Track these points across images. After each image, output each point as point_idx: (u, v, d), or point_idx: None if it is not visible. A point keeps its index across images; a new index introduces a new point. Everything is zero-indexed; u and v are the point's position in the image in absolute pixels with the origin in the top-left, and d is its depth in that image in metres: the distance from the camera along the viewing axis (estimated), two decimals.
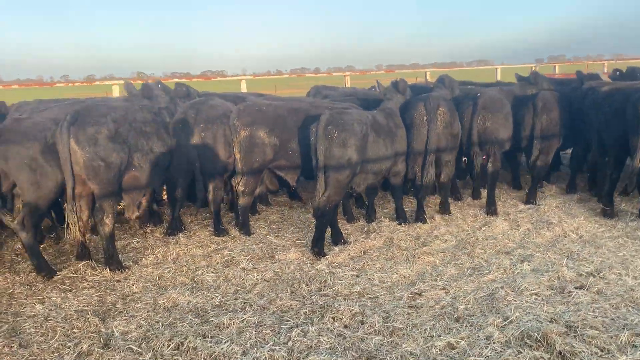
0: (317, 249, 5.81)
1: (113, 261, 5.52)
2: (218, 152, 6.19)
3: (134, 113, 5.59)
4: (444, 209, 7.17)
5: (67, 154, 5.07)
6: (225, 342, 4.04)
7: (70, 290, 5.24)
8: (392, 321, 4.30)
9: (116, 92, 9.94)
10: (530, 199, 7.48)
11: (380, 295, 4.84)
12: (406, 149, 6.59)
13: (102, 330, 4.41)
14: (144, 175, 5.57)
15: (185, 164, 6.19)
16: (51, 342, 4.26)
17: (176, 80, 8.83)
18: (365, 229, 6.79)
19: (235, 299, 4.90)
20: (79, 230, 5.45)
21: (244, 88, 11.38)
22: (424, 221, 6.82)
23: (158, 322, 4.49)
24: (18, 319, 4.69)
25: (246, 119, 6.20)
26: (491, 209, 7.11)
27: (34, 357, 4.08)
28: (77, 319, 4.59)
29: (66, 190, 5.17)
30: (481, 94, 7.17)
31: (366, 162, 6.00)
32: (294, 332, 4.14)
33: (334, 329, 4.23)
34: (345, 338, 4.09)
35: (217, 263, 5.82)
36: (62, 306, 4.89)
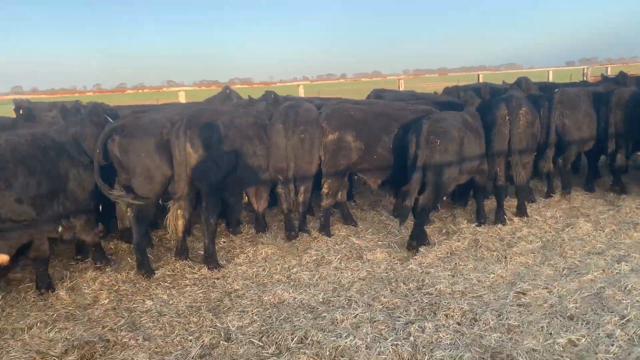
0: (416, 243, 6.05)
1: (212, 260, 5.69)
2: (313, 154, 6.32)
3: (239, 117, 5.77)
4: (521, 211, 7.16)
5: (183, 155, 5.27)
6: (346, 337, 4.13)
7: (173, 288, 5.41)
8: (506, 319, 4.33)
9: (182, 99, 10.25)
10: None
11: (484, 294, 4.88)
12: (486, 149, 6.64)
13: (218, 324, 4.54)
14: (247, 177, 5.74)
15: None
16: (172, 335, 4.42)
17: (205, 87, 9.07)
18: (444, 230, 6.82)
19: (338, 296, 5.00)
20: (182, 228, 5.64)
21: (301, 93, 11.57)
22: (504, 222, 6.83)
23: (271, 317, 4.62)
24: (133, 314, 4.86)
25: (335, 122, 6.33)
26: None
27: (159, 350, 4.23)
28: (191, 314, 4.75)
29: (176, 189, 5.35)
30: (558, 91, 7.26)
31: (462, 162, 6.07)
32: (412, 328, 4.20)
33: (449, 325, 4.29)
34: (463, 334, 4.14)
35: (308, 262, 5.92)
36: (171, 302, 5.05)
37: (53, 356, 4.12)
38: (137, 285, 5.50)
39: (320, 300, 4.96)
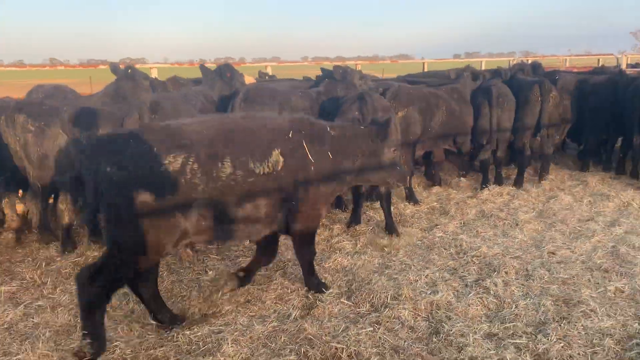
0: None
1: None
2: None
3: (296, 100, 5.81)
4: (519, 184, 8.12)
5: None
6: (434, 293, 4.55)
7: None
8: (557, 273, 5.00)
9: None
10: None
11: (521, 255, 5.52)
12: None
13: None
14: None
15: None
16: (270, 299, 4.55)
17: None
18: (446, 203, 7.44)
19: (392, 261, 5.39)
20: None
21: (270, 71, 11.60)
22: (521, 186, 7.93)
23: (349, 282, 4.90)
24: None
25: (402, 100, 6.70)
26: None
27: (260, 312, 4.36)
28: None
29: None
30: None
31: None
32: (486, 283, 4.74)
33: (513, 280, 4.87)
34: (529, 287, 4.74)
35: (345, 232, 6.22)
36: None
37: None
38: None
39: (378, 264, 5.31)
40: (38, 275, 5.13)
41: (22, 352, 3.76)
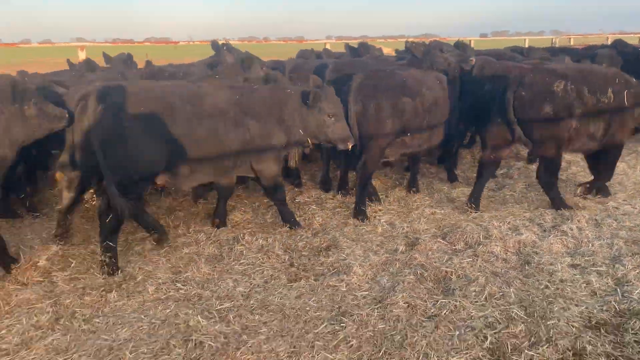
0: None
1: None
2: None
3: (424, 82, 6.40)
4: None
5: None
6: (519, 234, 5.31)
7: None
8: (623, 222, 5.69)
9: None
10: None
11: (589, 208, 6.22)
12: None
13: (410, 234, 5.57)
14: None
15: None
16: (377, 240, 5.39)
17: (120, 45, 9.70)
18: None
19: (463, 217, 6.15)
20: None
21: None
22: None
23: (439, 227, 5.69)
24: (357, 228, 5.74)
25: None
26: None
27: (373, 247, 5.19)
28: (392, 229, 5.73)
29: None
30: None
31: None
32: (564, 227, 5.48)
33: (577, 228, 5.57)
34: (597, 233, 5.44)
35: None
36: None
37: None
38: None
39: (461, 214, 6.08)
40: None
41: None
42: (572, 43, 19.27)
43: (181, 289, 4.43)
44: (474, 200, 6.25)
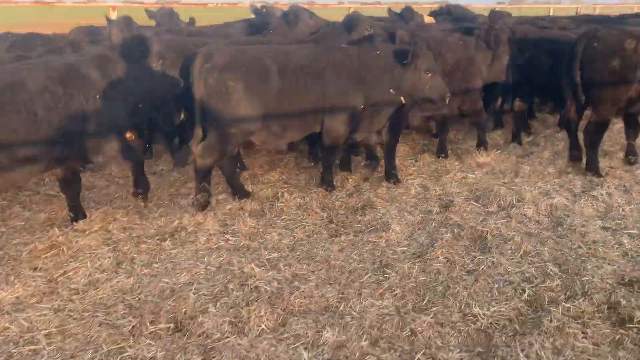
0: None
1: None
2: None
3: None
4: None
5: None
6: (551, 197, 5.47)
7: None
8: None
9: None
10: None
11: (618, 175, 6.34)
12: None
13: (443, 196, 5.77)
14: None
15: None
16: (411, 203, 5.58)
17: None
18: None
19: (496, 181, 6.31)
20: None
21: None
22: None
23: (472, 191, 5.87)
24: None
25: None
26: None
27: (407, 207, 5.39)
28: (425, 191, 5.91)
29: None
30: None
31: None
32: (594, 192, 5.63)
33: (606, 194, 5.72)
34: (627, 199, 5.59)
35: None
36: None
37: None
38: None
39: (493, 178, 6.24)
40: None
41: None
42: (597, 12, 18.95)
43: (230, 239, 4.67)
44: (593, 166, 6.33)
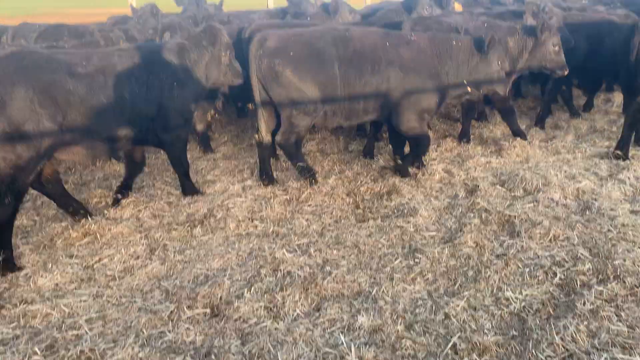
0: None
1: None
2: None
3: None
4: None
5: None
6: (578, 182, 5.44)
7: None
8: None
9: None
10: None
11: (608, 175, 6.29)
12: None
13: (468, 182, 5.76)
14: None
15: None
16: (434, 188, 5.59)
17: None
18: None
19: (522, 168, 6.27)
20: None
21: None
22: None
23: (501, 174, 5.85)
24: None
25: None
26: None
27: (430, 192, 5.39)
28: (450, 177, 5.91)
29: None
30: None
31: None
32: (621, 176, 5.58)
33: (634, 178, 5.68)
34: None
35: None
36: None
37: None
38: None
39: (518, 163, 6.21)
40: None
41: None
42: None
43: (259, 226, 4.73)
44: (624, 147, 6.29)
